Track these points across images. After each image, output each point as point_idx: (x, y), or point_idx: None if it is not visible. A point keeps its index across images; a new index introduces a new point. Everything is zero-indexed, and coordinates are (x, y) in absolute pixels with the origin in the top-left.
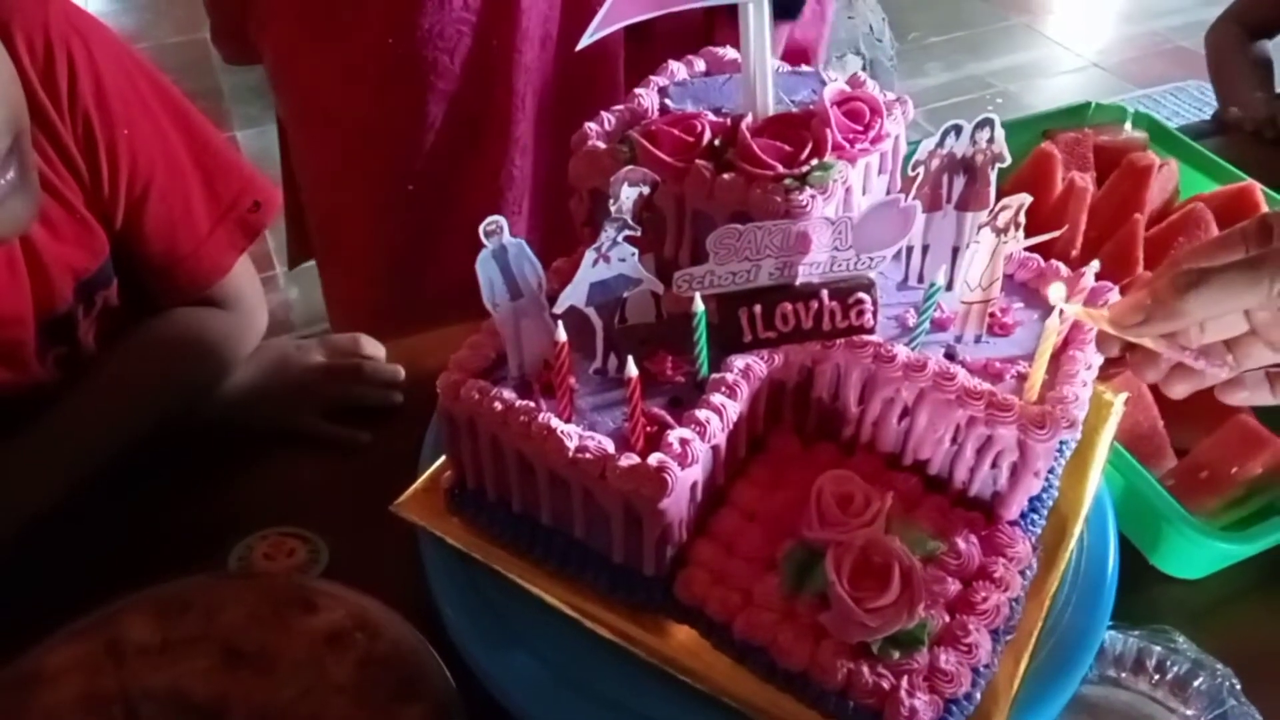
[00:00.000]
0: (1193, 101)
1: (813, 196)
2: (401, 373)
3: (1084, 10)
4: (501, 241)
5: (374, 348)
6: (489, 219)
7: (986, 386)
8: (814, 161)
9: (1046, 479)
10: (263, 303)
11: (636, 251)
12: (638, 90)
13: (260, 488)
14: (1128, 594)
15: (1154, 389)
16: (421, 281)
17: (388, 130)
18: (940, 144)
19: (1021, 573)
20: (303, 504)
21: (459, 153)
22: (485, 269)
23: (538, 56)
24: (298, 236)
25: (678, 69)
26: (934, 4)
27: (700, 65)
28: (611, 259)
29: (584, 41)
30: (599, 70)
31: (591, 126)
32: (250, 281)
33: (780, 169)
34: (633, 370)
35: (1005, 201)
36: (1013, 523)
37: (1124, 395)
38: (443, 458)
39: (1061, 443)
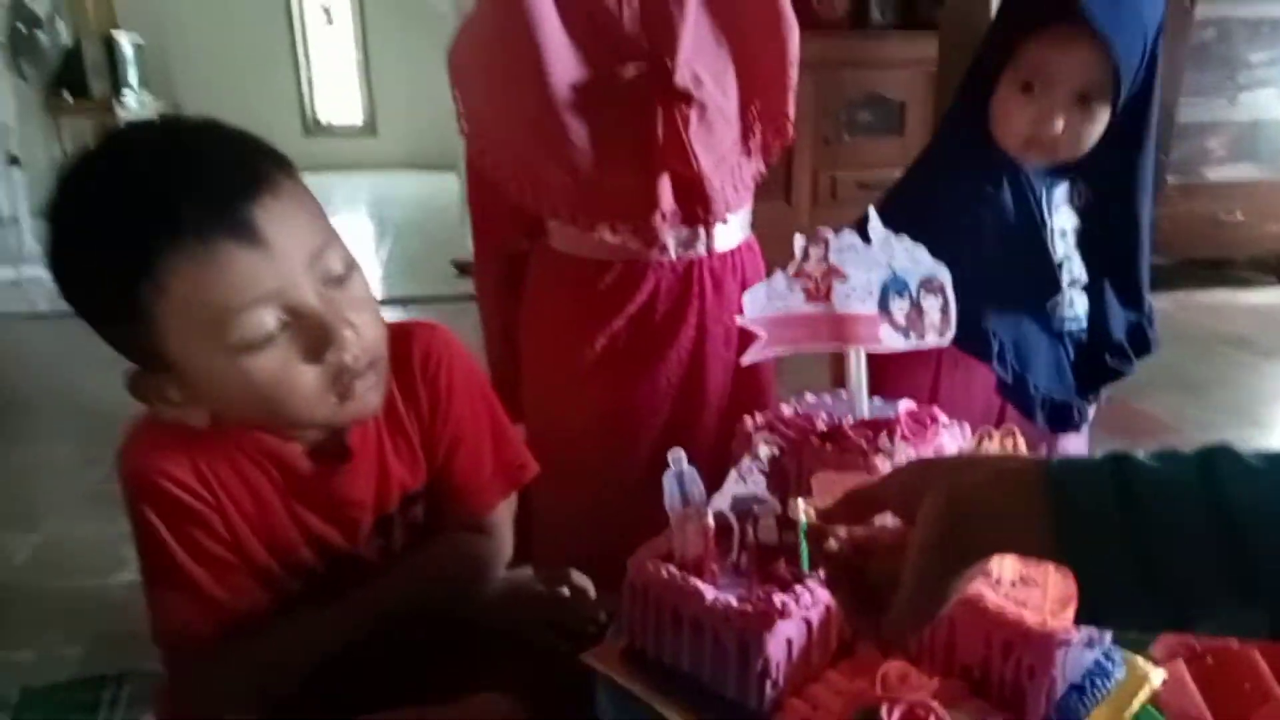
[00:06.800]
0: None
1: (882, 461)
2: (603, 616)
3: None
4: (681, 468)
5: (581, 580)
6: (673, 449)
7: None
8: (888, 443)
9: None
10: (511, 536)
11: (765, 479)
12: (783, 404)
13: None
14: None
15: (1193, 675)
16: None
17: (602, 465)
18: None
19: None
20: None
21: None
22: (669, 483)
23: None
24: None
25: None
26: None
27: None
28: (747, 480)
29: (746, 360)
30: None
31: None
32: (508, 519)
33: (864, 445)
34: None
35: None
36: None
37: (1161, 673)
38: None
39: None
